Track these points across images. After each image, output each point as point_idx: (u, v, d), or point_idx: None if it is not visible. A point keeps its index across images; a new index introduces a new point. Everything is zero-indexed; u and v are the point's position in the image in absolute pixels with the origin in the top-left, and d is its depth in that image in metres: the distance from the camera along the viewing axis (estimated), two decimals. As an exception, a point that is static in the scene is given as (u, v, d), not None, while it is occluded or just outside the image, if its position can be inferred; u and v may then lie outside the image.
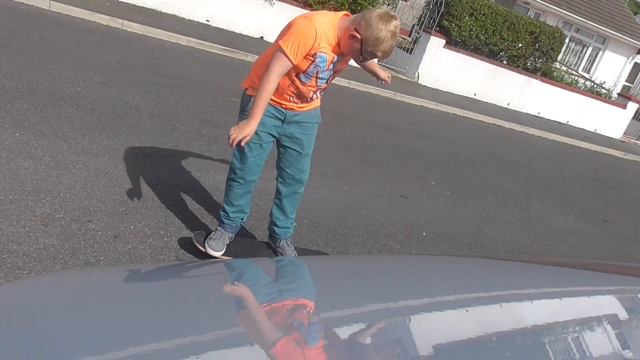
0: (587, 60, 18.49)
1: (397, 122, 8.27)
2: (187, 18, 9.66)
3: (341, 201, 4.30)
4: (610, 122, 15.61)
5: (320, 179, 4.59)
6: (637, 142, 16.69)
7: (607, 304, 1.27)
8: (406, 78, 12.19)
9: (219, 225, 2.90)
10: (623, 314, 1.21)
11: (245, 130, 2.43)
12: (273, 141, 2.74)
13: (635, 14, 21.85)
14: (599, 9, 17.70)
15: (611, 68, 18.52)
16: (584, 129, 15.00)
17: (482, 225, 4.85)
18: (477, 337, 0.96)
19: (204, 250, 2.83)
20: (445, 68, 12.38)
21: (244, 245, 3.07)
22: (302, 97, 2.60)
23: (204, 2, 9.74)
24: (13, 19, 6.39)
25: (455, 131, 9.11)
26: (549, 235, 5.18)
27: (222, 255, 2.85)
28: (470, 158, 7.41)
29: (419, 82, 12.21)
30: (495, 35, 12.71)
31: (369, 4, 10.97)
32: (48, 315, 0.85)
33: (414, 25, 12.65)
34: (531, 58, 13.82)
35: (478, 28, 12.44)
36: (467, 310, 1.08)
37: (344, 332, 0.93)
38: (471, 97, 13.03)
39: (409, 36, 12.35)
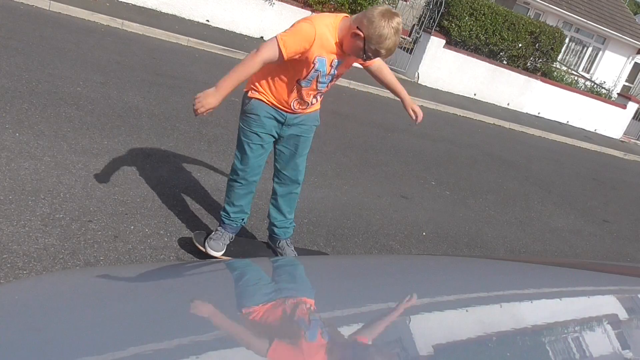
0: (587, 60, 18.49)
1: (397, 122, 8.27)
2: (187, 18, 9.67)
3: (341, 201, 4.30)
4: (610, 122, 15.61)
5: (320, 179, 4.59)
6: (637, 142, 16.69)
7: (607, 304, 1.27)
8: (406, 78, 12.19)
9: (220, 226, 2.90)
10: (623, 314, 1.21)
11: (209, 102, 2.34)
12: (273, 141, 2.74)
13: (635, 14, 21.85)
14: (599, 9, 17.70)
15: (611, 68, 18.52)
16: (584, 129, 15.00)
17: (482, 225, 4.85)
18: (477, 337, 0.96)
19: (204, 250, 2.83)
20: (445, 68, 12.38)
21: (244, 245, 3.07)
22: (302, 102, 2.60)
23: (204, 2, 9.74)
24: (13, 19, 6.39)
25: (455, 131, 9.11)
26: (549, 235, 5.18)
27: (222, 255, 2.85)
28: (470, 158, 7.41)
29: (419, 82, 12.21)
30: (495, 35, 12.71)
31: (369, 3, 10.97)
32: (48, 315, 0.85)
33: (414, 25, 12.65)
34: (531, 58, 13.82)
35: (478, 28, 12.44)
36: (467, 310, 1.08)
37: (344, 332, 0.93)
38: (471, 97, 13.03)
39: (409, 36, 12.35)
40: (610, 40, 18.03)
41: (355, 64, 2.71)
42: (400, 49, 12.54)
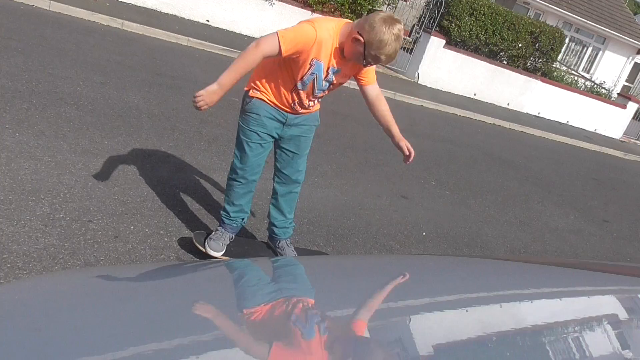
0: (587, 60, 18.49)
1: (397, 122, 8.27)
2: (187, 18, 9.67)
3: (341, 201, 4.30)
4: (610, 122, 15.61)
5: (320, 179, 4.59)
6: (637, 142, 16.69)
7: (607, 304, 1.27)
8: (406, 78, 12.19)
9: (220, 225, 2.90)
10: (623, 314, 1.21)
11: (210, 98, 2.38)
12: (273, 141, 2.74)
13: (635, 14, 21.85)
14: (599, 9, 17.70)
15: (611, 68, 18.53)
16: (584, 129, 15.00)
17: (482, 225, 4.85)
18: (477, 337, 0.96)
19: (204, 250, 2.83)
20: (445, 68, 12.38)
21: (244, 245, 3.07)
22: (301, 103, 2.60)
23: (204, 2, 9.74)
24: (13, 19, 6.39)
25: (455, 131, 9.11)
26: (549, 235, 5.18)
27: (222, 255, 2.85)
28: (470, 158, 7.41)
29: (419, 82, 12.21)
30: (495, 35, 12.71)
31: (369, 3, 10.97)
32: (48, 315, 0.85)
33: (414, 25, 12.65)
34: (531, 58, 13.82)
35: (478, 28, 12.44)
36: (467, 310, 1.08)
37: (343, 332, 0.93)
38: (471, 97, 13.03)
39: (409, 36, 12.34)
40: (610, 40, 18.03)
41: (355, 86, 2.70)
42: (400, 49, 12.53)
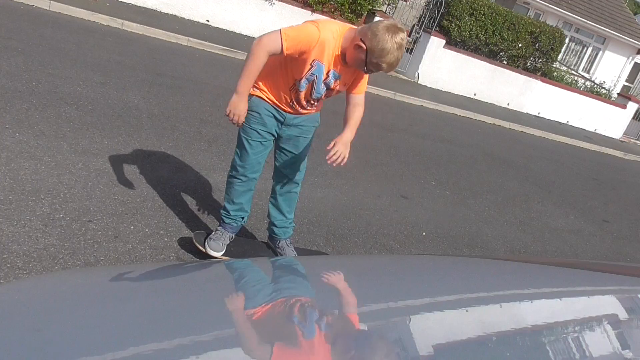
0: (587, 60, 18.49)
1: (397, 122, 8.28)
2: (187, 18, 9.67)
3: (341, 201, 4.30)
4: (610, 122, 15.61)
5: (320, 179, 4.59)
6: (637, 142, 16.69)
7: (607, 304, 1.27)
8: (406, 78, 12.19)
9: (220, 225, 2.90)
10: (623, 314, 1.21)
11: (237, 109, 2.49)
12: (273, 139, 2.74)
13: (635, 14, 21.85)
14: (599, 9, 17.70)
15: (611, 68, 18.52)
16: (584, 129, 15.00)
17: (482, 225, 4.85)
18: (477, 337, 0.96)
19: (204, 250, 2.83)
20: (445, 68, 12.38)
21: (244, 245, 3.07)
22: (300, 105, 2.61)
23: (204, 2, 9.74)
24: (13, 19, 6.39)
25: (455, 131, 9.11)
26: (549, 235, 5.18)
27: (222, 255, 2.85)
28: (470, 158, 7.41)
29: (419, 82, 12.21)
30: (495, 35, 12.71)
31: (369, 3, 10.97)
32: (48, 315, 0.85)
33: (414, 25, 12.65)
34: (531, 58, 13.82)
35: (478, 28, 12.44)
36: (467, 310, 1.08)
37: (344, 332, 0.93)
38: (471, 97, 13.03)
39: (409, 36, 12.34)
40: (610, 40, 18.03)
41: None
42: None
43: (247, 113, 2.61)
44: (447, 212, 4.89)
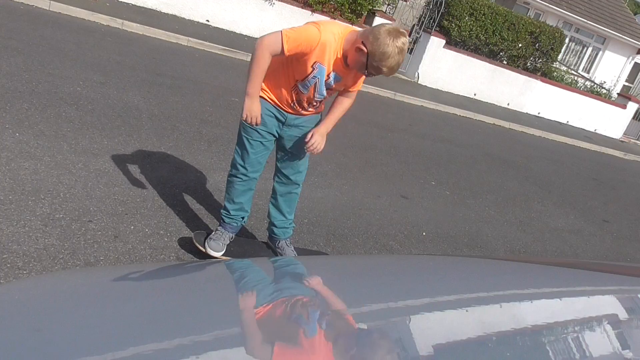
0: (587, 60, 18.49)
1: (397, 122, 8.28)
2: (187, 18, 9.67)
3: (341, 201, 4.30)
4: (610, 122, 15.61)
5: (320, 179, 4.59)
6: (637, 142, 16.69)
7: (607, 304, 1.27)
8: (406, 78, 12.19)
9: (220, 225, 2.90)
10: (623, 314, 1.21)
11: (252, 111, 2.52)
12: (274, 140, 2.74)
13: (635, 14, 21.84)
14: (599, 9, 17.70)
15: (611, 68, 18.52)
16: (584, 129, 15.00)
17: (482, 225, 4.85)
18: (477, 337, 0.96)
19: (204, 250, 2.83)
20: (445, 68, 12.38)
21: (244, 245, 3.07)
22: (302, 106, 2.61)
23: (204, 2, 9.74)
24: (13, 19, 6.39)
25: (455, 131, 9.11)
26: (549, 235, 5.18)
27: (222, 255, 2.85)
28: (470, 158, 7.41)
29: (419, 82, 12.21)
30: (495, 35, 12.71)
31: (369, 3, 10.96)
32: (48, 315, 0.85)
33: (414, 25, 12.65)
34: (531, 58, 13.82)
35: (478, 28, 12.44)
36: (467, 310, 1.08)
37: (344, 332, 0.93)
38: (471, 97, 13.03)
39: (409, 36, 12.34)
40: (610, 40, 18.03)
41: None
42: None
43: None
44: (447, 212, 4.89)
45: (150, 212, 3.18)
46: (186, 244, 2.97)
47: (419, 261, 1.52)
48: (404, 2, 12.72)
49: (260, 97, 2.59)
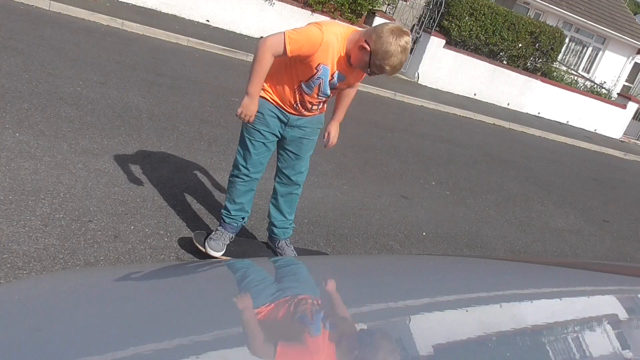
0: (587, 60, 18.48)
1: (397, 122, 8.28)
2: (187, 18, 9.67)
3: (341, 201, 4.30)
4: (610, 122, 15.61)
5: (320, 179, 4.59)
6: (637, 142, 16.69)
7: (607, 304, 1.27)
8: (406, 78, 12.19)
9: (220, 225, 2.91)
10: (623, 314, 1.21)
11: (248, 110, 2.52)
12: (277, 140, 2.75)
13: (635, 14, 21.84)
14: (599, 9, 17.70)
15: (611, 68, 18.52)
16: (584, 129, 15.00)
17: (482, 225, 4.85)
18: (477, 337, 0.96)
19: (204, 250, 2.83)
20: (445, 68, 12.38)
21: (244, 245, 3.07)
22: (304, 106, 2.61)
23: (204, 2, 9.74)
24: (13, 19, 6.39)
25: (455, 131, 9.11)
26: (549, 235, 5.18)
27: (222, 255, 2.85)
28: (470, 158, 7.41)
29: (419, 82, 12.21)
30: (495, 35, 12.71)
31: (369, 3, 10.96)
32: (48, 315, 0.85)
33: (414, 25, 12.65)
34: (531, 58, 13.82)
35: (478, 28, 12.44)
36: (467, 310, 1.08)
37: (343, 332, 0.93)
38: (471, 97, 13.03)
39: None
40: (610, 40, 18.02)
41: None
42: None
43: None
44: (447, 212, 4.89)
45: (150, 212, 3.18)
46: (186, 244, 2.97)
47: (419, 261, 1.52)
48: (404, 2, 12.72)
49: (263, 97, 2.59)
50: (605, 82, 17.22)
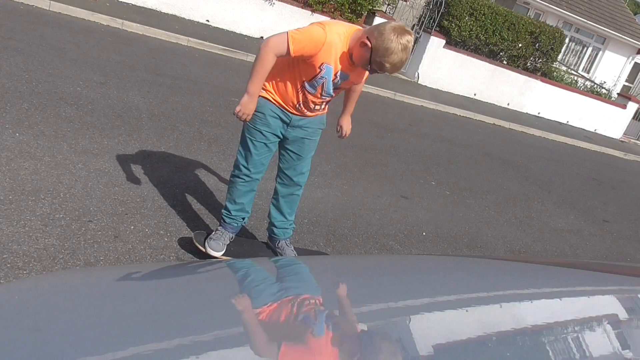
0: (587, 60, 18.48)
1: (397, 122, 8.28)
2: (187, 18, 9.67)
3: (341, 201, 4.30)
4: (610, 122, 15.61)
5: (320, 179, 4.59)
6: (637, 142, 16.69)
7: (607, 304, 1.27)
8: (406, 78, 12.19)
9: (220, 225, 2.90)
10: (623, 314, 1.21)
11: (246, 108, 2.52)
12: (278, 141, 2.74)
13: (635, 14, 21.84)
14: (599, 9, 17.70)
15: (611, 68, 18.52)
16: (584, 129, 15.00)
17: (482, 225, 4.85)
18: (477, 337, 0.96)
19: (204, 250, 2.83)
20: (445, 68, 12.38)
21: (244, 245, 3.07)
22: (307, 106, 2.61)
23: (204, 2, 9.74)
24: (13, 19, 6.39)
25: (455, 131, 9.11)
26: (549, 235, 5.18)
27: (222, 255, 2.85)
28: (470, 158, 7.41)
29: (419, 82, 12.21)
30: (495, 35, 12.71)
31: (369, 3, 10.96)
32: (48, 315, 0.85)
33: (414, 25, 12.65)
34: (531, 58, 13.82)
35: (478, 28, 12.44)
36: (467, 310, 1.08)
37: (344, 332, 0.93)
38: (471, 97, 13.03)
39: (409, 36, 12.33)
40: (610, 40, 18.03)
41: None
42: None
43: (253, 113, 2.61)
44: (447, 212, 4.89)
45: (150, 212, 3.18)
46: (186, 244, 2.97)
47: (419, 261, 1.52)
48: (404, 2, 12.72)
49: (265, 98, 2.59)
50: (605, 82, 17.22)
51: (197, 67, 7.19)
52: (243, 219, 2.90)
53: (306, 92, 2.53)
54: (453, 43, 12.39)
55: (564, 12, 16.58)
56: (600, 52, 18.43)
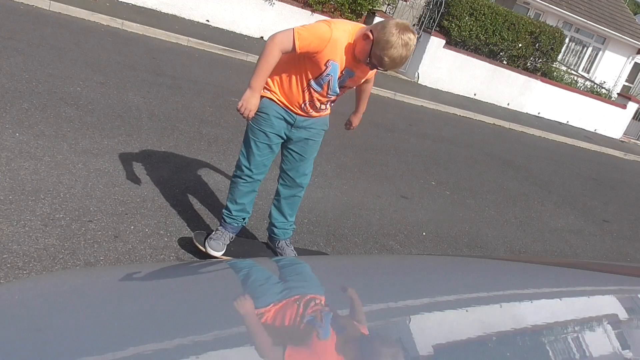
0: (587, 60, 18.48)
1: (397, 122, 8.28)
2: (187, 18, 9.67)
3: (341, 201, 4.30)
4: (610, 122, 15.61)
5: (320, 179, 4.59)
6: (637, 142, 16.69)
7: (607, 304, 1.27)
8: (406, 78, 12.19)
9: (220, 225, 2.90)
10: (623, 314, 1.21)
11: (249, 103, 2.49)
12: (281, 143, 2.74)
13: (635, 14, 21.84)
14: (599, 9, 17.70)
15: (611, 68, 18.52)
16: (584, 129, 15.01)
17: (482, 225, 4.85)
18: (477, 337, 0.96)
19: (204, 250, 2.83)
20: (445, 68, 12.38)
21: (244, 245, 3.07)
22: (313, 106, 2.60)
23: (204, 2, 9.74)
24: (13, 19, 6.39)
25: (455, 131, 9.11)
26: (549, 235, 5.18)
27: (223, 255, 2.85)
28: (470, 158, 7.41)
29: (419, 82, 12.21)
30: (495, 35, 12.71)
31: (369, 3, 10.96)
32: (48, 315, 0.85)
33: (414, 25, 12.65)
34: (531, 58, 13.82)
35: (478, 28, 12.44)
36: (467, 310, 1.08)
37: (344, 332, 0.93)
38: (471, 97, 13.03)
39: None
40: (610, 40, 18.03)
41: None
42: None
43: (256, 114, 2.60)
44: (447, 212, 4.89)
45: (150, 212, 3.18)
46: (186, 244, 2.97)
47: (419, 261, 1.52)
48: (404, 2, 12.72)
49: (270, 98, 2.58)
50: (605, 82, 17.22)
51: (197, 67, 7.19)
52: (244, 219, 2.90)
53: (312, 90, 2.53)
54: (453, 43, 12.39)
55: (564, 12, 16.58)
56: (600, 52, 18.43)
